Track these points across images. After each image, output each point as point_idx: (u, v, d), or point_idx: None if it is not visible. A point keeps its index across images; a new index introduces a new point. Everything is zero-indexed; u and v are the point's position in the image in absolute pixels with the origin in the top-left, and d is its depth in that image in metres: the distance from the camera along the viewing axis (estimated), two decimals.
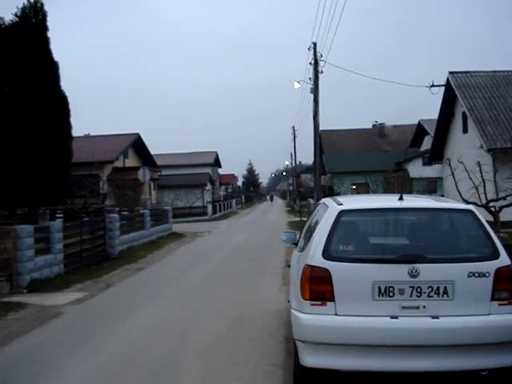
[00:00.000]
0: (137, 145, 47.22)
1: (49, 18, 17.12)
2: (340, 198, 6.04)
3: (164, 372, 6.22)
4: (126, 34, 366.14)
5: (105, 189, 37.02)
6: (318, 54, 25.82)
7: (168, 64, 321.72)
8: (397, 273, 4.82)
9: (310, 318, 4.92)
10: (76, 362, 6.70)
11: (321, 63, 25.74)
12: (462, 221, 5.33)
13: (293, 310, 5.22)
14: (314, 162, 28.80)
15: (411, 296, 4.81)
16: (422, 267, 4.80)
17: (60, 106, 16.94)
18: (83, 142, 41.88)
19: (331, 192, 37.16)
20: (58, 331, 8.47)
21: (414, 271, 4.79)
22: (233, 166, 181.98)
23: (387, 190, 35.13)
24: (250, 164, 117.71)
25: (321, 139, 59.78)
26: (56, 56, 17.13)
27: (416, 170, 41.15)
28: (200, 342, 7.40)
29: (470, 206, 5.31)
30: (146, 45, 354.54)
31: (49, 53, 16.92)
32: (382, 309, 4.82)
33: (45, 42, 16.85)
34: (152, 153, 50.41)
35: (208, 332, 7.88)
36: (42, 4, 16.90)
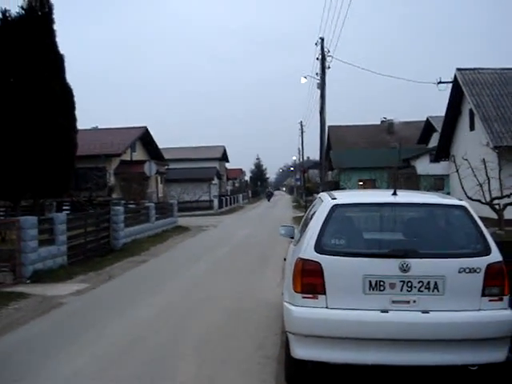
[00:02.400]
0: (144, 138, 47.33)
1: (56, 11, 17.23)
2: (335, 193, 6.08)
3: (160, 361, 6.30)
4: (136, 28, 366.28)
5: (111, 182, 37.19)
6: (326, 50, 25.79)
7: (177, 58, 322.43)
8: (388, 267, 4.86)
9: (301, 311, 4.97)
10: (75, 351, 6.79)
11: (328, 58, 25.72)
12: (454, 217, 5.37)
13: (285, 303, 5.27)
14: (320, 157, 28.79)
15: (402, 290, 4.85)
16: (413, 262, 4.84)
17: (65, 98, 16.99)
18: (91, 135, 42.07)
19: (337, 188, 37.14)
20: (58, 321, 8.57)
21: (404, 266, 4.83)
22: (240, 161, 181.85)
23: (394, 187, 35.09)
24: (257, 159, 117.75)
25: (329, 135, 59.94)
26: (64, 49, 17.35)
27: (423, 166, 41.03)
28: (198, 333, 7.49)
29: (463, 202, 5.33)
30: (155, 38, 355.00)
31: (54, 45, 16.97)
32: (373, 303, 4.86)
33: (51, 34, 16.90)
34: (160, 146, 50.56)
35: (207, 324, 7.96)
36: None
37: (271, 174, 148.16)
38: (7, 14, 16.65)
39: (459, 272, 4.83)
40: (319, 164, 31.17)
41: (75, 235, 14.88)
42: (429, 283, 4.83)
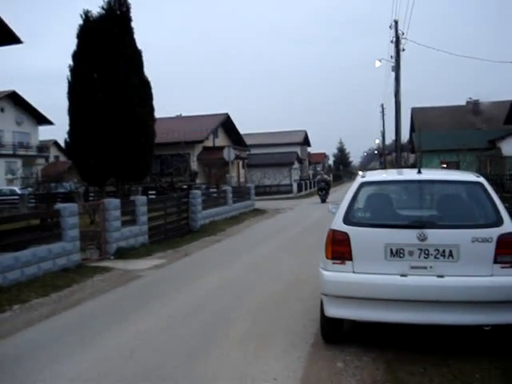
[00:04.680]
0: (226, 124, 48.80)
1: (137, 3, 18.72)
2: (368, 172, 6.73)
3: (219, 321, 7.23)
4: (211, 12, 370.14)
5: (194, 167, 38.80)
6: (400, 32, 25.82)
7: (256, 44, 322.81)
8: (407, 237, 5.48)
9: (332, 275, 5.72)
10: (146, 313, 7.83)
11: (402, 41, 25.73)
12: (471, 192, 5.89)
13: (319, 269, 6.00)
14: (396, 140, 28.89)
15: (419, 257, 5.46)
16: (430, 232, 5.43)
17: (143, 90, 18.40)
18: (175, 123, 43.93)
19: None
20: (134, 290, 9.70)
21: (422, 235, 5.43)
22: (323, 145, 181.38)
23: (478, 169, 34.50)
24: (340, 143, 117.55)
25: (412, 117, 59.04)
26: (145, 39, 18.64)
27: (510, 148, 39.83)
28: (254, 300, 8.35)
29: (480, 179, 5.85)
30: (232, 25, 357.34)
31: (133, 42, 18.40)
32: (394, 268, 5.50)
33: (129, 32, 18.33)
34: (242, 132, 51.89)
35: (263, 293, 8.80)
36: None
37: (355, 158, 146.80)
38: (89, 15, 18.25)
39: (472, 241, 5.37)
40: (395, 146, 31.20)
41: (156, 216, 16.13)
42: (444, 251, 5.40)
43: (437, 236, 5.43)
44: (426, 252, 5.44)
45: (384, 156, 61.09)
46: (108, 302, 8.83)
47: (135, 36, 18.57)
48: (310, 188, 54.48)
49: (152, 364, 5.70)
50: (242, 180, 45.84)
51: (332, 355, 5.73)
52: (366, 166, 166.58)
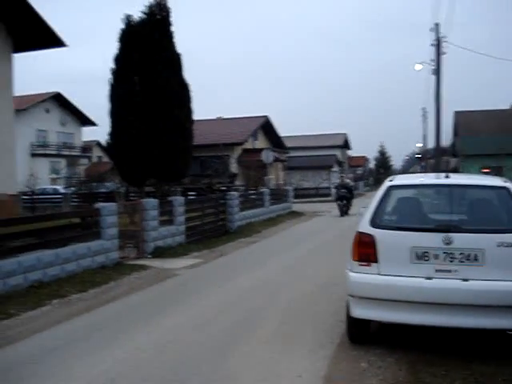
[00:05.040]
0: (266, 127, 49.06)
1: (178, 6, 19.17)
2: (397, 176, 6.81)
3: (248, 320, 7.42)
4: (252, 14, 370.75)
5: (233, 169, 39.14)
6: (440, 35, 25.57)
7: (295, 45, 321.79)
8: (432, 240, 5.56)
9: (358, 276, 5.84)
10: (179, 310, 8.08)
11: (443, 44, 25.49)
12: (498, 197, 5.93)
13: (346, 270, 6.12)
14: (436, 143, 28.61)
15: (444, 261, 5.53)
16: (455, 236, 5.50)
17: (182, 93, 18.81)
18: (215, 125, 44.42)
19: None
20: (170, 288, 9.98)
21: (447, 239, 5.49)
22: (364, 149, 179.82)
23: None
24: (381, 146, 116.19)
25: (455, 120, 58.12)
26: (187, 42, 19.12)
27: None
28: (285, 301, 8.51)
29: (507, 184, 5.88)
30: (273, 25, 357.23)
31: (172, 45, 18.85)
32: (419, 271, 5.58)
33: (169, 36, 18.77)
34: (281, 134, 52.05)
35: (295, 294, 8.95)
36: (165, 1, 18.88)
37: (397, 162, 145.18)
38: (130, 19, 18.79)
39: (497, 246, 5.41)
40: (435, 150, 30.89)
41: (193, 217, 16.43)
42: (469, 255, 5.46)
43: (462, 240, 5.49)
44: (451, 256, 5.50)
45: (426, 160, 60.31)
46: (143, 298, 9.12)
47: (174, 40, 19.06)
48: None
49: (182, 358, 5.92)
50: (280, 182, 45.97)
51: (357, 355, 5.85)
52: (407, 169, 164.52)
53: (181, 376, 5.44)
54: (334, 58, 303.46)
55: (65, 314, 7.97)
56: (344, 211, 25.01)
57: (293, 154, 54.40)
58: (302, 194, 43.94)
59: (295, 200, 30.66)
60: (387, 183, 6.23)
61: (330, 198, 43.33)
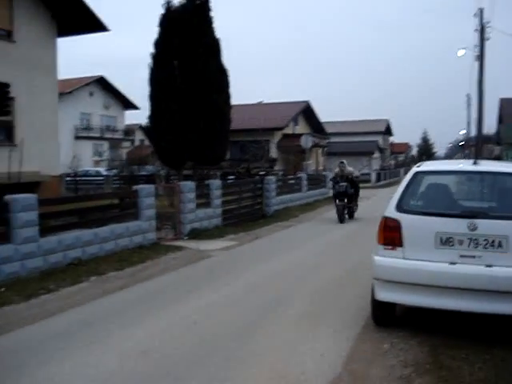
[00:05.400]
0: (306, 112, 48.86)
1: None
2: (425, 162, 6.85)
3: (278, 300, 7.63)
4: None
5: (273, 154, 39.23)
6: (485, 21, 25.02)
7: (338, 31, 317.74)
8: (457, 226, 5.61)
9: (383, 260, 5.93)
10: (211, 289, 8.32)
11: (487, 29, 24.94)
12: None
13: (372, 254, 6.22)
14: (478, 131, 28.10)
15: (469, 246, 5.57)
16: (480, 222, 5.53)
17: (220, 77, 19.02)
18: (256, 110, 44.48)
19: None
20: (203, 268, 10.23)
21: (472, 225, 5.54)
22: (407, 136, 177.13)
23: None
24: (424, 133, 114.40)
25: (501, 108, 56.74)
26: (228, 28, 19.33)
27: None
28: (314, 283, 8.67)
29: None
30: (314, 12, 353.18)
31: (211, 31, 19.04)
32: (443, 256, 5.64)
33: (208, 21, 18.96)
34: (322, 120, 51.76)
35: (325, 277, 9.10)
36: None
37: (440, 149, 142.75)
38: (170, 5, 19.07)
39: None
40: (476, 138, 30.35)
41: (230, 200, 16.67)
42: (493, 241, 5.50)
43: (486, 226, 5.52)
44: (476, 242, 5.55)
45: (469, 148, 59.13)
46: (177, 278, 9.40)
47: (214, 25, 19.26)
48: (390, 178, 53.81)
49: (210, 335, 6.15)
50: (320, 168, 45.84)
51: (380, 337, 5.97)
52: (451, 157, 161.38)
53: (207, 350, 5.67)
54: (378, 45, 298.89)
55: (102, 291, 8.31)
56: (345, 214, 17.32)
57: (334, 139, 54.01)
58: None
59: None
60: (414, 169, 6.29)
61: (369, 185, 43.15)
